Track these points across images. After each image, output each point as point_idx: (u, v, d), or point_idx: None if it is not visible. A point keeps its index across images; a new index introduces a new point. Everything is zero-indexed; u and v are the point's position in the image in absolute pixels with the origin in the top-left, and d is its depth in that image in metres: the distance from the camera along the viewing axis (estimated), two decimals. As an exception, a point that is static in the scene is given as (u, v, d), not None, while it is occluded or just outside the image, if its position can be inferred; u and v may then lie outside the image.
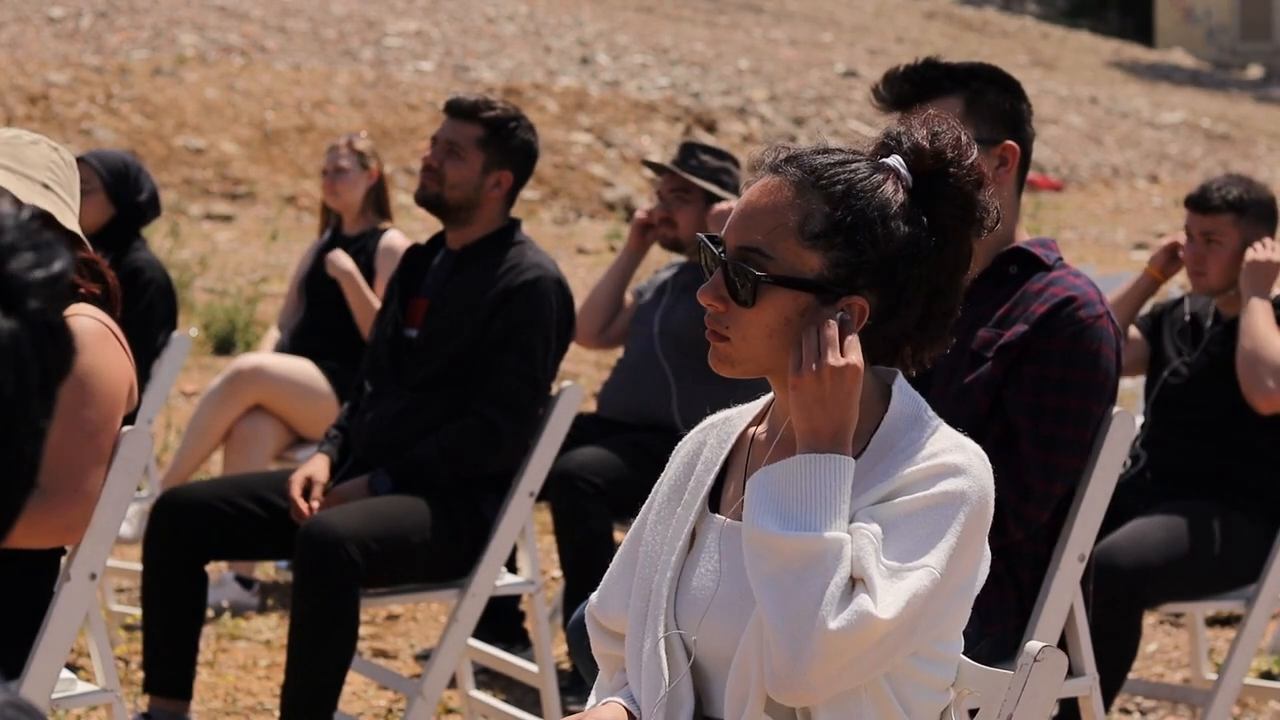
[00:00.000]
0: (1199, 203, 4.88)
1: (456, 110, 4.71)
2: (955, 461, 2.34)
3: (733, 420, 2.55)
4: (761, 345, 2.37)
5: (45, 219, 3.37)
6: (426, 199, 4.70)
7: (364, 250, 6.54)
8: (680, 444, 2.61)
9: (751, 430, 2.52)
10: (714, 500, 2.52)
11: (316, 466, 4.58)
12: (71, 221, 3.45)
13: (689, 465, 2.55)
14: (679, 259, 5.82)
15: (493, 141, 4.67)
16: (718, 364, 2.41)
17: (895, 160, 2.40)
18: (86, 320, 3.37)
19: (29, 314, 1.32)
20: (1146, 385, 4.96)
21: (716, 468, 2.51)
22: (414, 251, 4.87)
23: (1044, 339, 3.54)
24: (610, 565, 2.61)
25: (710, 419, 2.59)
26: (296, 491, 4.48)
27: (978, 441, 2.43)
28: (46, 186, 3.43)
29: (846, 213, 2.35)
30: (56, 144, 3.52)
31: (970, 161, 2.41)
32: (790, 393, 2.35)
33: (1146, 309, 5.09)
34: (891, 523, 2.30)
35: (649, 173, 17.11)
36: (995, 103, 3.66)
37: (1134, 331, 5.01)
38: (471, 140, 4.66)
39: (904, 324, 2.41)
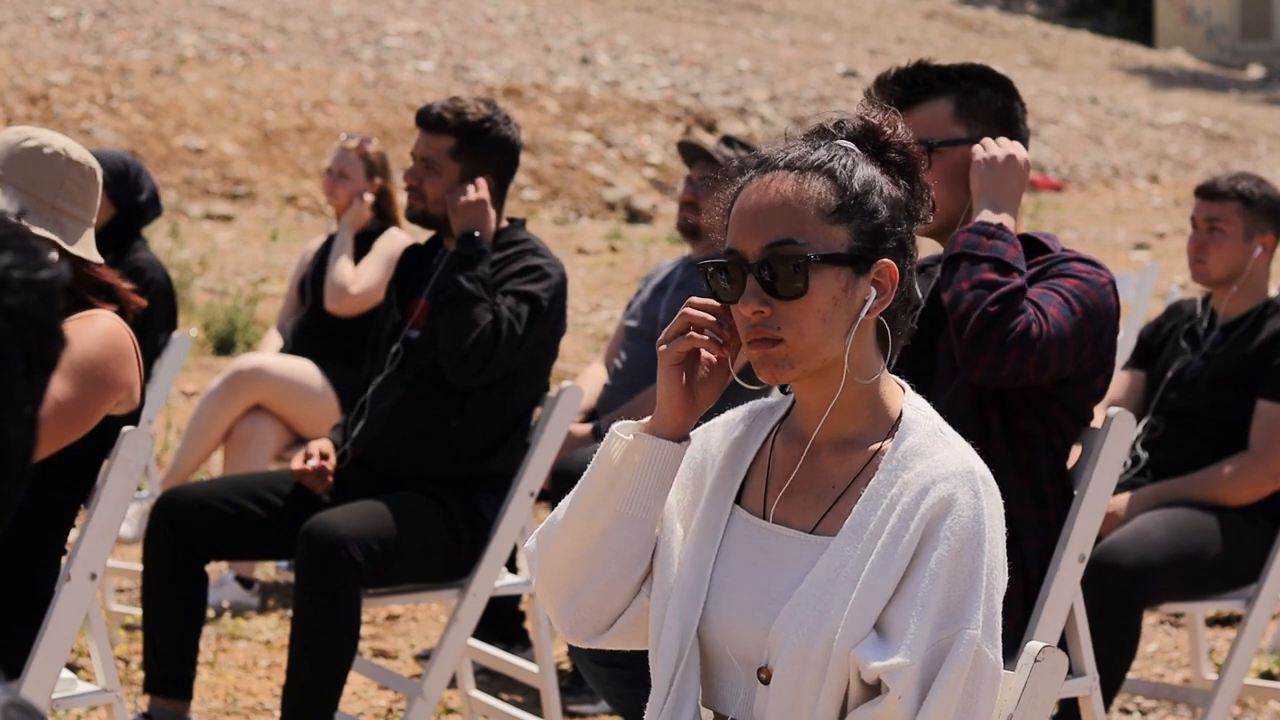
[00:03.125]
0: (1208, 189, 4.90)
1: (425, 123, 4.68)
2: (963, 499, 2.34)
3: (759, 416, 2.55)
4: (818, 333, 2.36)
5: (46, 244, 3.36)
6: (415, 217, 4.72)
7: (364, 249, 6.54)
8: (696, 434, 2.59)
9: (775, 429, 2.52)
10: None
11: (323, 445, 4.63)
12: (82, 244, 3.42)
13: (706, 459, 2.54)
14: (675, 257, 5.82)
15: (466, 149, 4.64)
16: (774, 371, 2.37)
17: (845, 143, 2.45)
18: (106, 319, 3.38)
19: (7, 308, 1.34)
20: (1148, 388, 4.97)
21: (747, 464, 2.50)
22: (412, 252, 4.86)
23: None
24: None
25: (733, 412, 2.58)
26: (306, 460, 4.57)
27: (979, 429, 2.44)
28: (55, 208, 3.41)
29: (849, 182, 2.39)
30: (78, 154, 3.46)
31: (903, 133, 2.47)
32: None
33: (1132, 344, 5.10)
34: (923, 597, 2.31)
35: (651, 172, 17.09)
36: (987, 101, 3.69)
37: (1125, 376, 4.99)
38: (445, 152, 4.64)
39: (912, 289, 2.44)
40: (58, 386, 3.29)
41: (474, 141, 4.64)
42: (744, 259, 2.38)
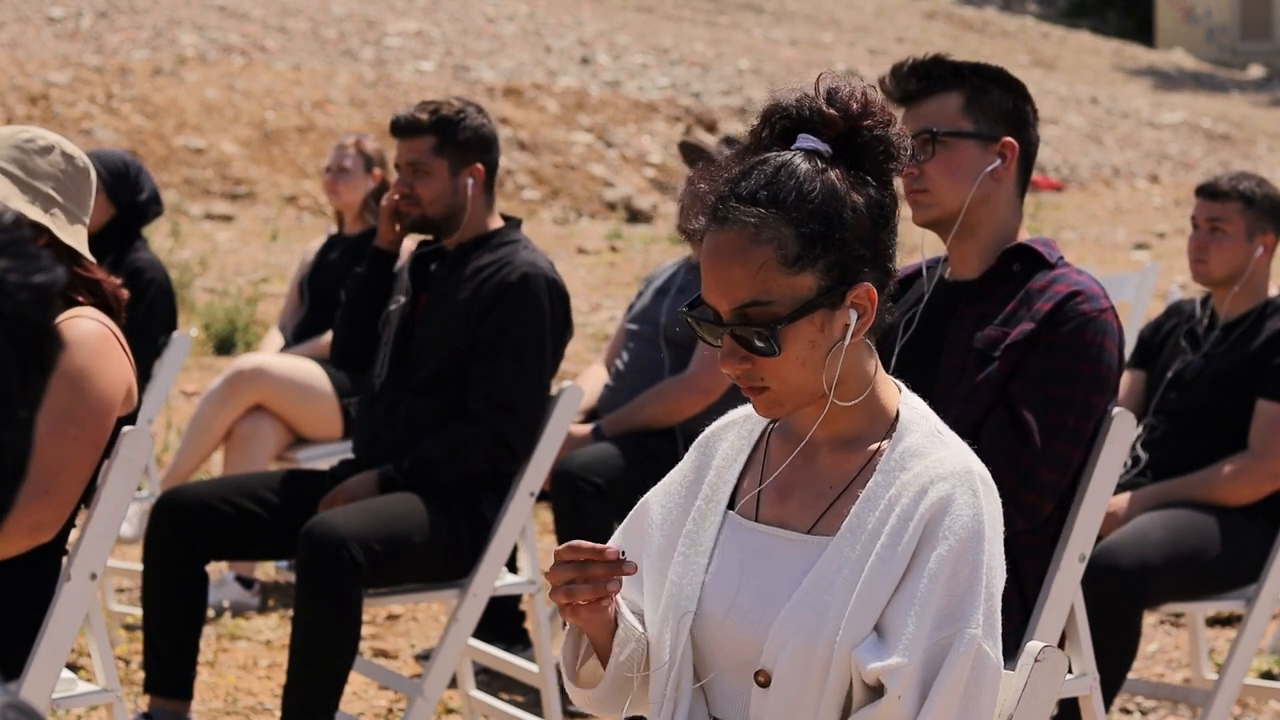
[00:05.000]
0: (1209, 189, 4.89)
1: (401, 130, 4.67)
2: (961, 499, 2.33)
3: (754, 419, 2.55)
4: (800, 375, 2.36)
5: (39, 231, 3.36)
6: (414, 225, 4.70)
7: (365, 250, 6.54)
8: (700, 439, 2.59)
9: (769, 430, 2.52)
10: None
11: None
12: (73, 235, 3.43)
13: (704, 462, 2.54)
14: (678, 256, 5.82)
15: (448, 143, 4.64)
16: (768, 409, 2.40)
17: (808, 141, 2.36)
18: (88, 323, 3.37)
19: (2, 312, 1.33)
20: (1148, 388, 4.96)
21: (740, 467, 2.50)
22: (424, 247, 4.86)
23: (1049, 332, 3.56)
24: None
25: (731, 415, 2.58)
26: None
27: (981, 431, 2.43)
28: (50, 198, 3.42)
29: (810, 221, 2.32)
30: (72, 150, 3.49)
31: (875, 104, 2.38)
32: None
33: (1132, 344, 5.10)
34: (922, 597, 2.30)
35: (651, 172, 17.09)
36: (998, 101, 3.70)
37: (1125, 376, 4.98)
38: (428, 151, 4.64)
39: (890, 285, 2.43)
40: (71, 419, 3.31)
41: (454, 134, 4.64)
42: (718, 316, 2.36)
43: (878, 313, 2.39)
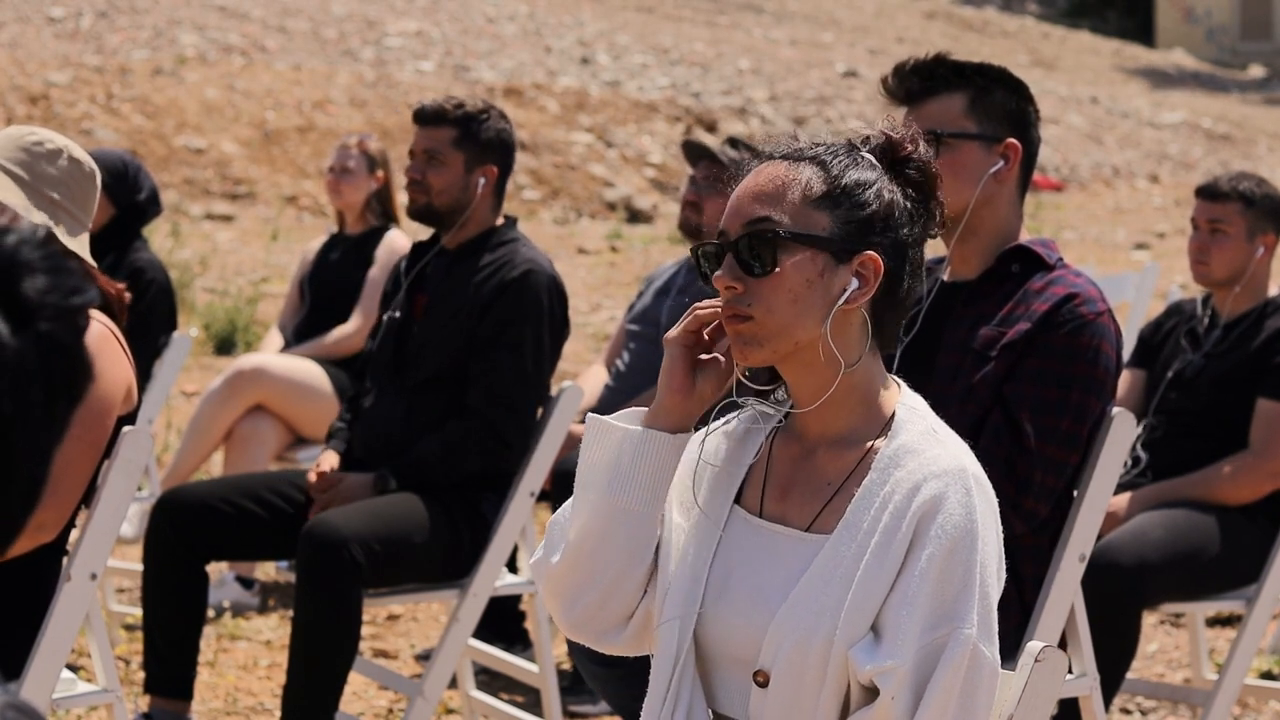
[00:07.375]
0: (1209, 190, 4.88)
1: (425, 118, 4.69)
2: (954, 497, 2.33)
3: (759, 419, 2.54)
4: (787, 313, 2.35)
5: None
6: (418, 212, 4.70)
7: (366, 250, 6.55)
8: (701, 433, 2.58)
9: (775, 429, 2.52)
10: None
11: (328, 461, 4.61)
12: (75, 241, 3.44)
13: (705, 460, 2.54)
14: (678, 256, 5.82)
15: (467, 139, 4.66)
16: (744, 349, 2.37)
17: (863, 152, 2.46)
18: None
19: (38, 334, 1.31)
20: (1148, 388, 4.96)
21: (746, 463, 2.50)
22: (420, 248, 4.86)
23: (1045, 334, 3.56)
24: None
25: (734, 416, 2.58)
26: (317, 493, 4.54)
27: (979, 434, 2.43)
28: (56, 204, 3.42)
29: (841, 174, 2.40)
30: (80, 154, 3.48)
31: (923, 152, 2.46)
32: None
33: (1132, 343, 5.09)
34: (912, 596, 2.30)
35: (651, 172, 17.09)
36: (1001, 101, 3.69)
37: (1126, 376, 4.98)
38: (446, 143, 4.65)
39: (908, 293, 2.43)
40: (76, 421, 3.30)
41: (475, 131, 4.66)
42: (727, 238, 2.40)
43: (883, 296, 2.39)
